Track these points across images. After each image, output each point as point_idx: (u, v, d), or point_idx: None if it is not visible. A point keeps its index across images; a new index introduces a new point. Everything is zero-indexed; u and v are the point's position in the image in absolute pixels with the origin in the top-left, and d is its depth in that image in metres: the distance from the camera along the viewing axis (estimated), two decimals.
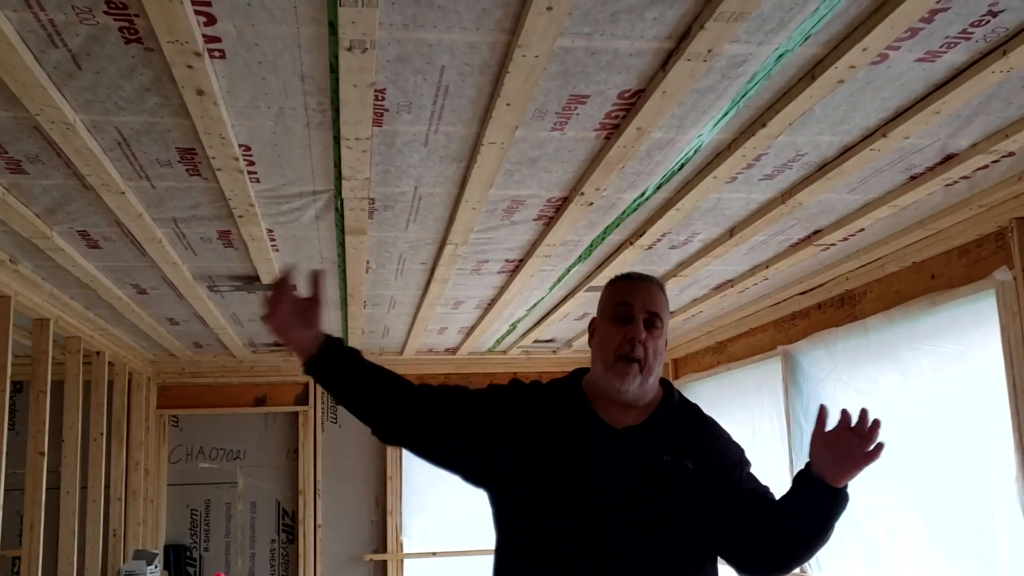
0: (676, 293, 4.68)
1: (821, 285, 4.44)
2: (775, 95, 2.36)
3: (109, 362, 5.45)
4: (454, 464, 1.94)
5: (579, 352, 6.63)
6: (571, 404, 1.91)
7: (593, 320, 1.98)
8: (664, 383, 1.98)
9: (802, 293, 4.62)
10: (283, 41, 2.00)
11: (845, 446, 1.72)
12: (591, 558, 1.75)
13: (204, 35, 1.95)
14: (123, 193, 2.84)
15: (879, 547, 4.00)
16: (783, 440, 4.79)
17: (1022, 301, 3.15)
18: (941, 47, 2.13)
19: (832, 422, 1.79)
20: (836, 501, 1.75)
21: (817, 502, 1.76)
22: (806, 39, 2.06)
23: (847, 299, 4.31)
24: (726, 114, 2.45)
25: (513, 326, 5.53)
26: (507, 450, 1.86)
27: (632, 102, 2.36)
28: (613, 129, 2.53)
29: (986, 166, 2.90)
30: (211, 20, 1.90)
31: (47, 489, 4.69)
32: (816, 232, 3.65)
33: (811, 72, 2.22)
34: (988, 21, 2.01)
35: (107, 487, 5.48)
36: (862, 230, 3.59)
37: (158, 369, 6.43)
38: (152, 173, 2.76)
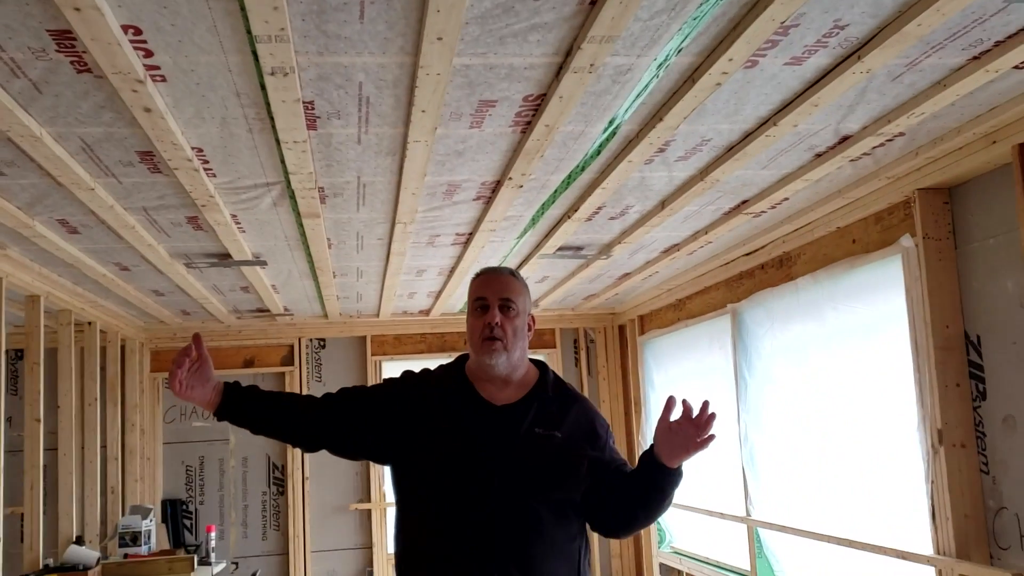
0: (628, 257, 4.98)
1: (762, 247, 4.71)
2: (665, 95, 2.63)
3: (101, 331, 5.78)
4: (364, 451, 2.26)
5: (547, 311, 6.95)
6: (456, 386, 2.21)
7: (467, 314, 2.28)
8: (540, 365, 2.29)
9: (747, 255, 4.90)
10: (215, 67, 2.27)
11: (683, 434, 2.01)
12: (472, 519, 2.05)
13: (145, 64, 2.23)
14: (92, 189, 3.13)
15: (809, 489, 4.34)
16: (731, 391, 5.11)
17: (923, 266, 3.43)
18: (803, 53, 2.39)
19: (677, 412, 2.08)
20: (671, 478, 2.06)
21: (656, 478, 2.06)
22: (679, 52, 2.33)
23: (784, 261, 4.60)
24: (626, 110, 2.72)
25: None
26: (401, 429, 2.17)
27: (537, 104, 2.63)
28: (526, 125, 2.80)
29: (882, 144, 3.17)
30: (148, 53, 2.18)
31: (49, 451, 5.08)
32: (744, 202, 3.92)
33: (691, 77, 2.49)
34: (837, 33, 2.28)
35: (104, 447, 5.85)
36: (786, 199, 3.86)
37: (151, 335, 6.76)
38: (117, 172, 3.05)
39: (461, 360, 2.30)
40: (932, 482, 3.42)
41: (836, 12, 2.16)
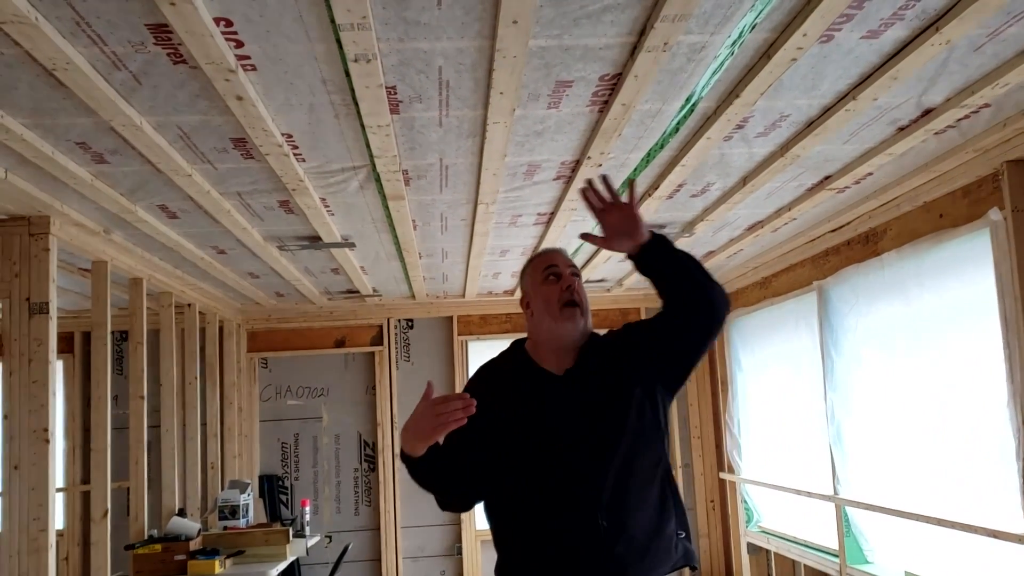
0: (711, 235, 4.97)
1: (848, 224, 4.65)
2: (741, 71, 2.64)
3: (200, 312, 6.03)
4: (490, 474, 2.21)
5: (632, 290, 6.96)
6: (518, 367, 2.26)
7: (524, 299, 2.30)
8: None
9: (832, 231, 4.83)
10: (302, 56, 2.38)
11: (613, 214, 2.13)
12: (571, 493, 2.10)
13: (236, 55, 2.34)
14: (190, 175, 3.29)
15: (897, 468, 4.29)
16: (818, 370, 5.06)
17: (1012, 240, 3.35)
18: (880, 26, 2.38)
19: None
20: (653, 253, 2.13)
21: (651, 268, 2.15)
22: (753, 28, 2.34)
23: (871, 237, 4.53)
24: (703, 88, 2.74)
25: None
26: (487, 429, 2.16)
27: (614, 83, 2.67)
28: (603, 104, 2.84)
29: (967, 116, 3.11)
30: (239, 44, 2.29)
31: (153, 428, 5.35)
32: (827, 177, 3.88)
33: (766, 53, 2.49)
34: (913, 5, 2.26)
35: (203, 425, 6.12)
36: (870, 174, 3.81)
37: (247, 316, 7.01)
38: (212, 158, 3.20)
39: (517, 344, 2.34)
40: (1023, 460, 3.36)
41: None
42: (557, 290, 2.22)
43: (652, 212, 4.25)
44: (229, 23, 2.17)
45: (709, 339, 2.19)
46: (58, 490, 6.72)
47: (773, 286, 5.87)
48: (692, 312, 2.14)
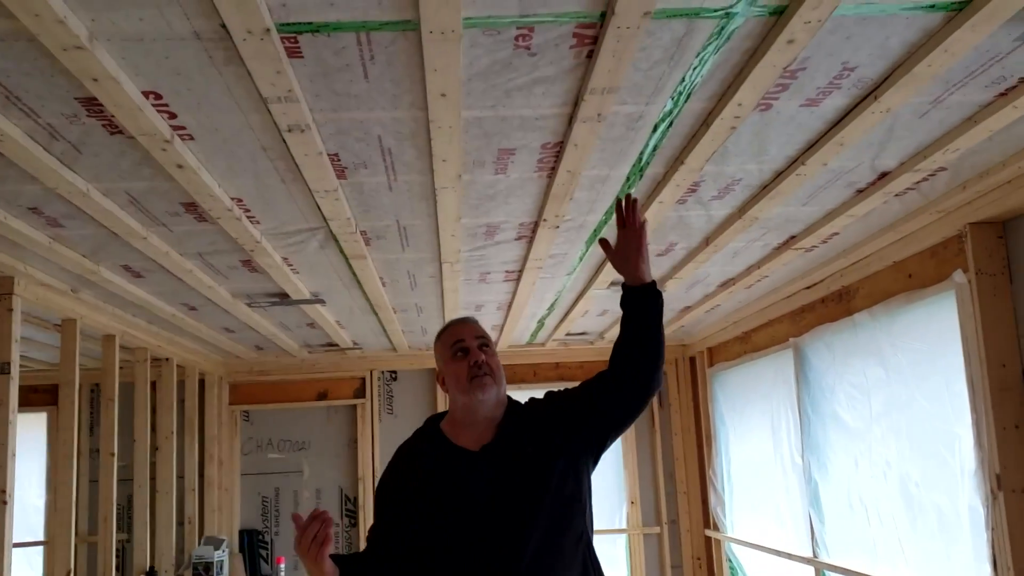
0: (684, 291, 4.94)
1: (821, 281, 4.61)
2: (684, 139, 2.63)
3: (179, 365, 6.01)
4: (412, 559, 2.18)
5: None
6: (433, 446, 2.23)
7: (438, 374, 2.30)
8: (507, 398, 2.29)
9: (807, 288, 4.80)
10: (238, 126, 2.37)
11: (626, 241, 2.19)
12: (490, 573, 2.06)
13: (171, 125, 2.34)
14: (145, 238, 3.28)
15: (871, 532, 4.21)
16: (796, 428, 4.99)
17: (976, 303, 3.31)
18: (818, 95, 2.36)
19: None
20: (645, 296, 2.18)
21: (636, 305, 2.19)
22: (688, 98, 2.33)
23: (844, 295, 4.49)
24: (647, 155, 2.73)
25: (541, 323, 5.85)
26: (404, 512, 2.17)
27: (557, 151, 2.66)
28: (551, 170, 2.83)
29: (925, 179, 3.09)
30: (172, 115, 2.29)
31: (127, 481, 5.30)
32: (792, 237, 3.86)
33: (706, 121, 2.48)
34: (848, 75, 2.24)
35: (180, 479, 6.06)
36: (836, 234, 3.78)
37: (229, 369, 6.98)
38: (166, 221, 3.19)
39: (432, 421, 2.33)
40: (993, 529, 3.28)
41: (842, 55, 2.13)
42: (465, 366, 2.20)
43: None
44: (159, 96, 2.17)
45: (642, 406, 2.23)
46: (38, 544, 6.66)
47: (753, 341, 5.82)
48: (636, 370, 2.18)
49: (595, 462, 2.28)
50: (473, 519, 2.10)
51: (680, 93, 2.29)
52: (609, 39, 1.93)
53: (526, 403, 2.32)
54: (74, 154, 2.51)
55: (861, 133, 2.56)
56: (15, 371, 3.70)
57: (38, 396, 6.54)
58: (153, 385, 5.82)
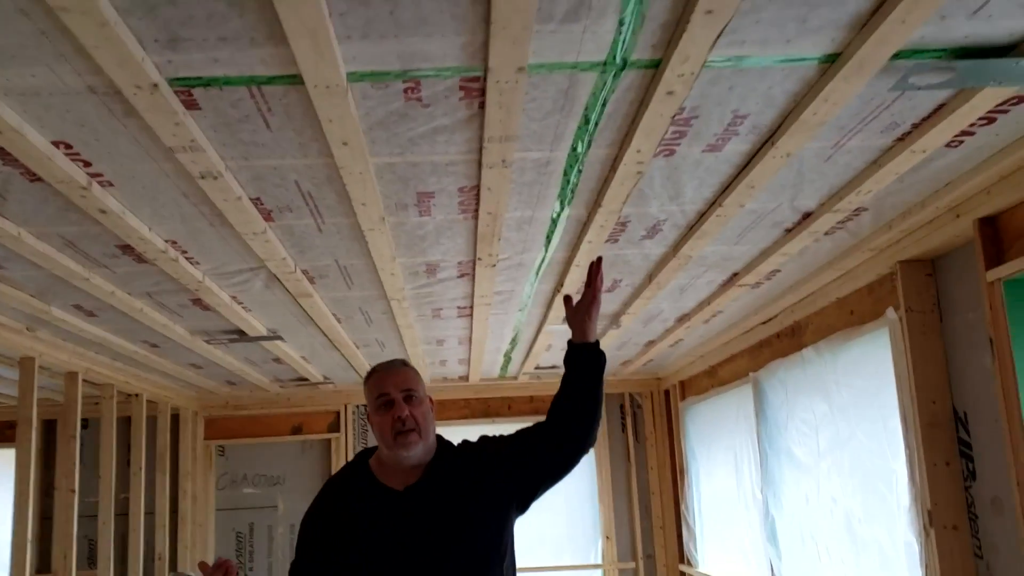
0: (642, 326, 4.97)
1: (775, 317, 4.65)
2: (597, 182, 2.68)
3: (150, 400, 6.05)
4: None
5: None
6: (360, 484, 2.26)
7: (368, 414, 2.31)
8: (437, 437, 2.31)
9: (764, 323, 4.83)
10: (154, 173, 2.44)
11: (584, 300, 2.28)
12: None
13: (87, 172, 2.40)
14: (88, 279, 3.34)
15: (821, 567, 4.21)
16: (756, 465, 5.01)
17: (907, 340, 3.35)
18: (717, 141, 2.42)
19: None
20: (591, 354, 2.26)
21: (580, 362, 2.26)
22: (589, 145, 2.39)
23: (796, 330, 4.52)
24: (566, 197, 2.78)
25: (507, 357, 5.89)
26: (323, 549, 2.20)
27: (475, 194, 2.72)
28: (474, 212, 2.89)
29: (849, 219, 3.14)
30: (87, 163, 2.35)
31: (92, 518, 5.34)
32: (735, 274, 3.90)
33: (613, 166, 2.54)
34: (741, 122, 2.30)
35: (149, 514, 6.09)
36: (778, 271, 3.83)
37: (204, 403, 7.02)
38: (106, 263, 3.25)
39: (362, 456, 2.35)
40: (926, 566, 3.30)
41: (730, 104, 2.19)
42: (389, 420, 2.19)
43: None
44: (69, 146, 2.23)
45: (575, 462, 2.27)
46: None
47: (719, 375, 5.85)
48: (573, 427, 2.24)
49: (522, 511, 2.29)
50: (391, 561, 2.12)
51: (580, 140, 2.35)
52: (492, 92, 1.99)
53: (458, 445, 2.34)
54: None
55: (769, 176, 2.61)
56: None
57: (13, 432, 6.57)
58: (128, 420, 5.88)
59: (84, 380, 4.99)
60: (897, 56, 1.95)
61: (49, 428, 6.51)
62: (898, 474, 3.48)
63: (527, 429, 2.31)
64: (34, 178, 2.42)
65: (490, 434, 2.37)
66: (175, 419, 6.66)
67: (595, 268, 2.29)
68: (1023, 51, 1.92)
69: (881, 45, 1.84)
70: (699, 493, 6.41)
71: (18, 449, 4.40)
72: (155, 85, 1.88)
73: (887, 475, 3.59)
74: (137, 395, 5.87)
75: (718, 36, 1.78)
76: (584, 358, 2.27)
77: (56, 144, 2.22)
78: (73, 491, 4.83)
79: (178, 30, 1.73)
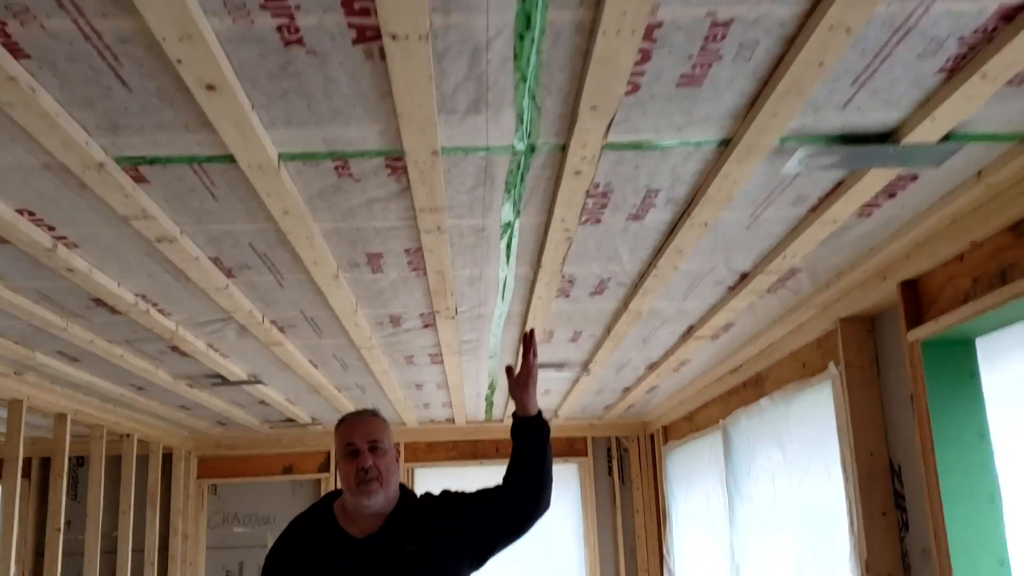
0: (614, 373, 5.11)
1: (740, 367, 4.78)
2: (535, 244, 2.85)
3: (140, 440, 6.22)
4: None
5: (572, 419, 7.07)
6: (322, 527, 2.39)
7: (336, 460, 2.44)
8: (401, 487, 2.45)
9: (731, 372, 4.96)
10: (114, 236, 2.62)
11: (524, 372, 2.37)
12: None
13: (52, 236, 2.59)
14: (65, 328, 3.52)
15: None
16: (725, 511, 5.12)
17: (845, 394, 3.48)
18: (637, 212, 2.58)
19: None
20: (534, 425, 2.35)
21: (525, 434, 2.36)
22: (518, 214, 2.55)
23: (759, 381, 4.65)
24: (507, 259, 2.95)
25: (489, 400, 6.03)
26: None
27: (420, 255, 2.89)
28: (423, 270, 3.06)
29: (786, 278, 3.28)
30: (51, 228, 2.54)
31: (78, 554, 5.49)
32: (691, 327, 4.05)
33: (545, 230, 2.70)
34: (657, 194, 2.46)
35: (138, 552, 6.23)
36: (732, 324, 3.97)
37: (197, 443, 7.19)
38: (82, 314, 3.43)
39: (328, 499, 2.47)
40: None
41: (640, 180, 2.35)
42: (354, 468, 2.31)
43: (541, 353, 4.42)
44: (32, 213, 2.42)
45: (530, 525, 2.39)
46: None
47: (695, 421, 5.97)
48: (525, 494, 2.36)
49: (479, 566, 2.41)
50: None
51: (508, 210, 2.51)
52: (412, 171, 2.16)
53: (421, 497, 2.47)
54: None
55: (693, 242, 2.77)
56: None
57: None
58: (119, 459, 6.06)
59: (73, 421, 5.16)
60: (785, 140, 2.11)
61: (45, 465, 6.68)
62: (841, 523, 3.59)
63: (487, 489, 2.42)
64: (3, 241, 2.61)
65: (455, 488, 2.49)
66: (167, 458, 6.82)
67: (528, 342, 2.37)
68: (898, 138, 2.07)
69: (761, 134, 2.00)
70: (679, 535, 6.50)
71: (4, 487, 4.56)
72: (101, 164, 2.06)
73: (832, 523, 3.70)
74: (128, 435, 6.04)
75: (608, 126, 1.95)
76: (527, 430, 2.37)
77: (20, 211, 2.40)
78: (58, 530, 4.99)
79: (117, 119, 1.92)
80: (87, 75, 1.75)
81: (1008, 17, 1.64)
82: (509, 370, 2.46)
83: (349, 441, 2.37)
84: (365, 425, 2.41)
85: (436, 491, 2.52)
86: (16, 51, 1.66)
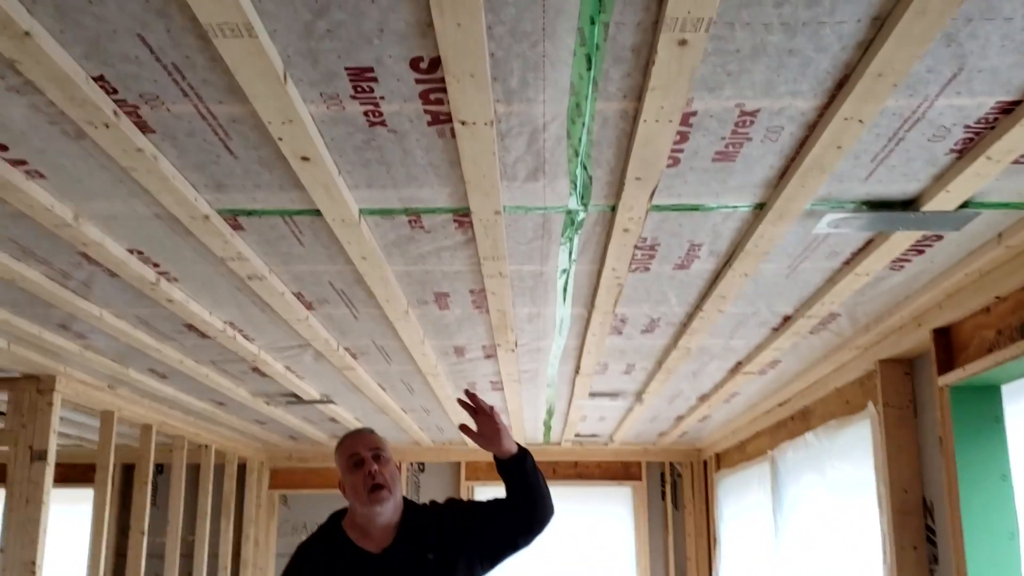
0: (667, 403, 5.32)
1: (788, 400, 4.95)
2: (589, 288, 3.09)
3: (218, 451, 6.60)
4: None
5: (627, 444, 7.26)
6: (337, 549, 2.49)
7: (340, 482, 2.55)
8: (403, 500, 2.56)
9: (780, 405, 5.13)
10: (210, 274, 2.93)
11: (484, 426, 2.42)
12: None
13: (156, 272, 2.91)
14: (160, 349, 3.87)
15: None
16: (773, 539, 5.27)
17: (883, 432, 3.64)
18: (682, 263, 2.81)
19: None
20: (517, 463, 2.40)
21: (509, 473, 2.42)
22: (573, 262, 2.80)
23: (806, 414, 4.81)
24: (562, 301, 3.20)
25: (547, 425, 6.26)
26: None
27: (484, 295, 3.15)
28: (486, 308, 3.32)
29: (827, 321, 3.47)
30: (156, 264, 2.86)
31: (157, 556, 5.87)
32: (739, 363, 4.24)
33: (597, 278, 2.94)
34: (700, 247, 2.68)
35: (213, 558, 6.59)
36: (779, 361, 4.15)
37: (270, 455, 7.55)
38: (175, 337, 3.77)
39: (334, 521, 2.55)
40: None
41: (684, 236, 2.58)
42: (361, 476, 2.41)
43: (591, 385, 4.65)
44: (141, 252, 2.75)
45: (534, 539, 2.50)
46: None
47: (747, 450, 6.12)
48: (525, 517, 2.46)
49: (491, 567, 2.54)
50: None
51: (564, 258, 2.76)
52: (478, 226, 2.43)
53: (426, 506, 2.62)
54: (85, 289, 3.10)
55: (735, 289, 2.98)
56: (51, 458, 4.30)
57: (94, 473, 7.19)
58: (198, 468, 6.44)
59: (157, 432, 5.54)
60: (815, 205, 2.33)
61: (128, 471, 7.10)
62: (875, 554, 3.75)
63: (495, 501, 2.52)
64: (113, 275, 2.94)
65: (462, 497, 2.68)
66: (242, 468, 7.19)
67: (471, 402, 2.42)
68: (919, 205, 2.27)
69: (791, 201, 2.22)
70: (728, 560, 6.64)
71: (96, 493, 4.94)
72: (206, 216, 2.37)
73: (867, 554, 3.85)
74: (207, 446, 6.41)
75: (652, 193, 2.19)
76: (511, 470, 2.41)
77: (130, 250, 2.73)
78: (143, 533, 5.36)
79: (223, 180, 2.22)
80: (201, 146, 2.05)
81: (1006, 111, 1.84)
82: (466, 429, 2.48)
83: (353, 452, 2.44)
84: (366, 437, 2.49)
85: (440, 499, 2.66)
86: (144, 127, 1.97)
